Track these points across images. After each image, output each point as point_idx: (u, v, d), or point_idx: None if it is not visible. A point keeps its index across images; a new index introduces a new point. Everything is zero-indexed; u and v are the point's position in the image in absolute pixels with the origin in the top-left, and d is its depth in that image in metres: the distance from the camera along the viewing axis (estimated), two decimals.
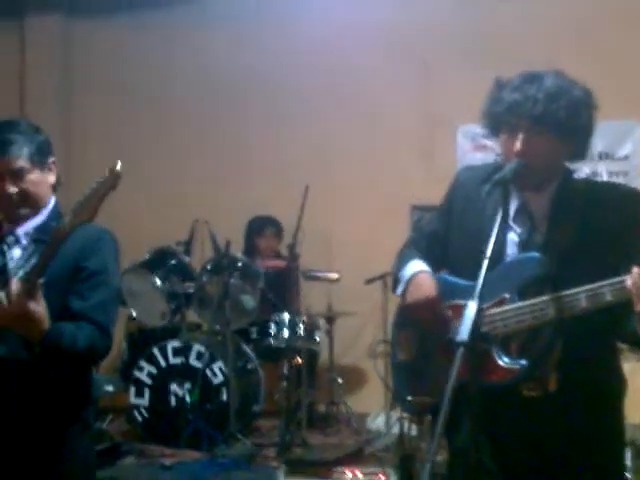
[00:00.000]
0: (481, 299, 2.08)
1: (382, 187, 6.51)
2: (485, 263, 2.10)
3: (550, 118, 2.25)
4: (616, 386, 2.42)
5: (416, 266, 2.52)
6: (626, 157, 6.32)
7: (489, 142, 6.20)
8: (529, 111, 2.26)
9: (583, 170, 6.53)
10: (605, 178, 6.22)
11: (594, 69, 5.63)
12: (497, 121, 2.36)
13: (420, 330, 2.47)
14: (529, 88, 2.28)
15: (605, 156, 6.26)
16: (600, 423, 2.33)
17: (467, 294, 2.19)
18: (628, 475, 4.35)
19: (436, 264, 2.54)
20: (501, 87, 2.36)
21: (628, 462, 4.40)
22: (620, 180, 6.20)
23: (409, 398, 2.50)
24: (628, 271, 2.09)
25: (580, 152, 2.37)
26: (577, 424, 2.28)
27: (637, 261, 2.11)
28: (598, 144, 6.15)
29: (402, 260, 2.60)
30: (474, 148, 6.48)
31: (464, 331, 2.01)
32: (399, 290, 2.53)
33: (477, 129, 6.33)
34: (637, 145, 6.30)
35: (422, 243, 2.65)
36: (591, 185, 2.50)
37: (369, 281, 5.56)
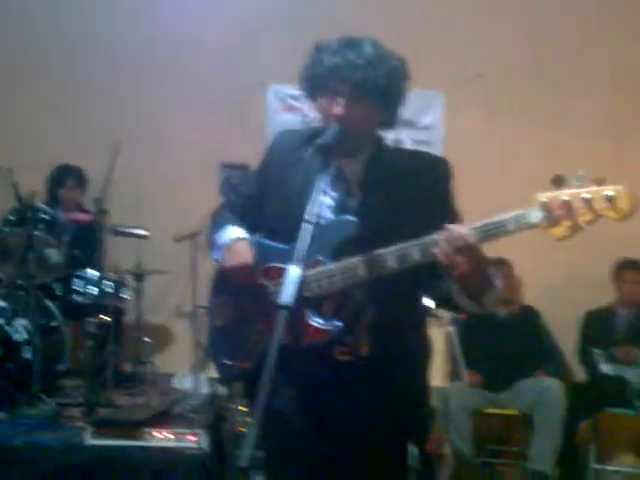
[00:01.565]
0: (302, 264, 2.11)
1: (194, 144, 6.44)
2: (306, 227, 2.13)
3: (370, 85, 2.30)
4: (424, 350, 2.52)
5: (234, 232, 2.51)
6: (428, 127, 6.53)
7: (298, 104, 6.31)
8: (350, 76, 2.29)
9: (387, 137, 6.68)
10: (408, 146, 6.40)
11: (400, 37, 5.81)
12: (316, 84, 2.38)
13: (237, 296, 2.47)
14: (349, 53, 2.31)
15: (409, 124, 6.43)
16: (408, 386, 2.42)
17: (283, 257, 2.24)
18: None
19: (252, 227, 2.55)
20: (320, 50, 2.37)
21: None
22: (422, 149, 6.42)
23: (227, 362, 2.50)
24: (436, 232, 2.17)
25: (391, 120, 2.46)
26: (387, 387, 2.36)
27: (445, 222, 2.21)
28: (403, 112, 6.32)
29: (219, 224, 2.59)
30: (284, 109, 6.53)
31: (287, 294, 2.03)
32: (217, 256, 2.52)
33: (287, 90, 6.42)
34: (439, 115, 6.53)
35: (238, 206, 2.65)
36: (402, 152, 2.61)
37: (178, 239, 5.50)
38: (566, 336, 6.09)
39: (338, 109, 2.31)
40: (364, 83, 2.29)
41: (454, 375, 5.65)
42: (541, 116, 6.40)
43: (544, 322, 6.06)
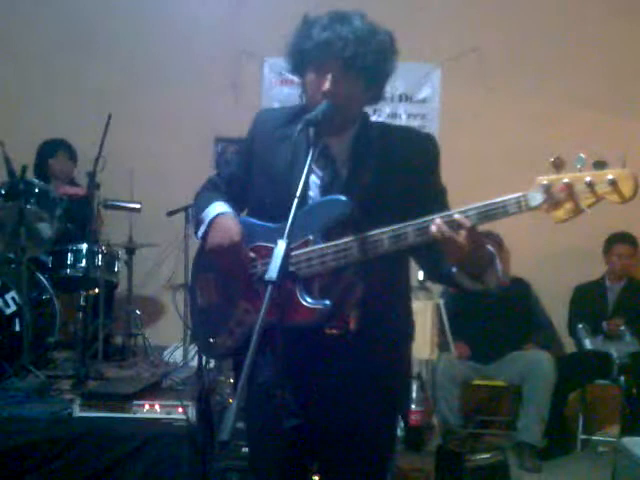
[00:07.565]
0: (290, 239, 2.11)
1: (187, 117, 6.42)
2: (295, 203, 2.11)
3: (360, 61, 2.26)
4: (408, 324, 2.53)
5: (218, 208, 2.47)
6: (424, 100, 6.52)
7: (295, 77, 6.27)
8: (340, 51, 2.25)
9: (384, 111, 6.73)
10: (404, 120, 6.42)
11: (397, 10, 5.79)
12: (304, 59, 2.34)
13: (221, 273, 2.45)
14: (340, 28, 2.27)
15: (405, 98, 6.43)
16: (393, 358, 2.44)
17: (269, 236, 2.25)
18: (413, 406, 4.64)
19: (236, 206, 2.51)
20: (310, 24, 2.33)
21: (414, 394, 4.69)
22: (417, 122, 6.42)
23: (211, 340, 2.50)
24: (429, 212, 2.16)
25: (378, 96, 2.42)
26: (374, 360, 2.37)
27: (434, 200, 2.22)
28: (399, 86, 6.32)
29: (203, 201, 2.55)
30: (280, 82, 6.51)
31: (273, 270, 2.02)
32: (200, 232, 2.48)
33: (284, 63, 6.35)
34: (435, 89, 6.51)
35: (222, 184, 2.62)
36: (388, 128, 2.53)
37: (171, 213, 5.50)
38: (557, 308, 6.11)
39: (327, 85, 2.27)
40: (355, 59, 2.26)
41: (443, 347, 5.68)
42: (537, 90, 6.36)
43: (535, 294, 6.09)
